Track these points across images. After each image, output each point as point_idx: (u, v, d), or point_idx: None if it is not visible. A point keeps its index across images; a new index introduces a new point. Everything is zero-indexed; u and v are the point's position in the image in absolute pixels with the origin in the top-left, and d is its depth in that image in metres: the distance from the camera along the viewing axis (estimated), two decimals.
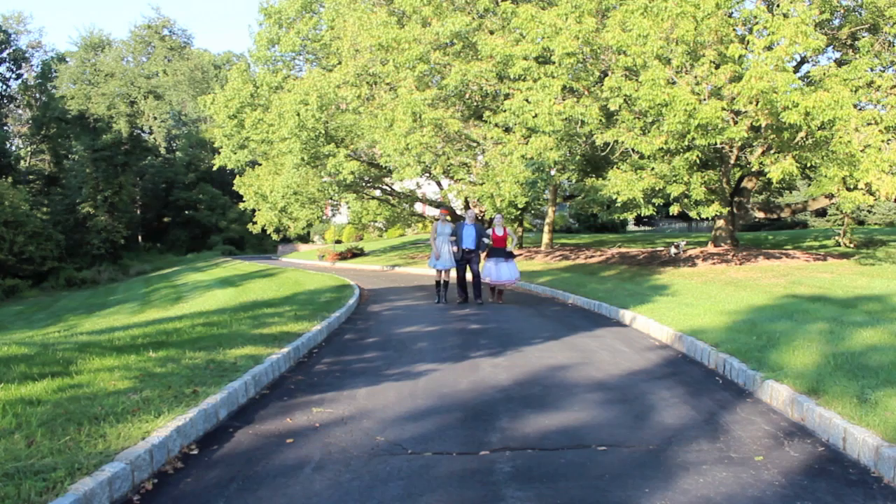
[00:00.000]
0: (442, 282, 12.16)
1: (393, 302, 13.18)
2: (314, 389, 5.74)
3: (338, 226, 43.64)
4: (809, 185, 31.53)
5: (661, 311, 9.00)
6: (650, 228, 45.48)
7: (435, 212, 32.84)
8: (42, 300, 30.51)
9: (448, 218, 12.43)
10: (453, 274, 12.57)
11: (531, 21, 13.08)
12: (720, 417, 4.69)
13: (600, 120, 13.17)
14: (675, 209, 14.19)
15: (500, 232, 12.18)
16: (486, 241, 12.07)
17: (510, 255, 12.17)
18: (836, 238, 19.75)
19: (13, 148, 51.04)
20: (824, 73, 12.97)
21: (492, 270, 12.06)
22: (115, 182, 48.48)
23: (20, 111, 53.68)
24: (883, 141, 12.27)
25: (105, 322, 16.06)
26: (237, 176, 27.74)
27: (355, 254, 32.47)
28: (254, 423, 4.79)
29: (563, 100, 13.08)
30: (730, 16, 13.41)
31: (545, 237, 25.75)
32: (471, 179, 18.53)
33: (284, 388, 5.84)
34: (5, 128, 48.65)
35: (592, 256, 20.50)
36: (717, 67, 11.96)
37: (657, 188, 13.37)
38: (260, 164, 27.51)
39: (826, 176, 13.06)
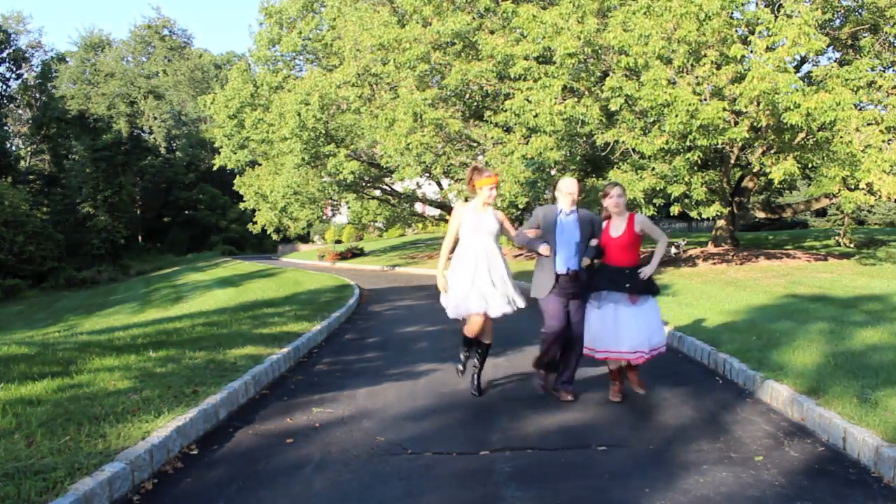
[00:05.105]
0: (476, 338, 5.50)
1: (393, 302, 13.17)
2: (314, 389, 5.74)
3: (338, 226, 43.62)
4: (810, 185, 31.60)
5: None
6: None
7: (435, 212, 32.68)
8: (42, 300, 30.50)
9: (493, 194, 5.41)
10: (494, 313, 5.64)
11: (532, 21, 13.07)
12: (720, 417, 4.69)
13: (601, 120, 13.16)
14: (675, 209, 14.19)
15: (616, 230, 5.24)
16: (593, 244, 5.29)
17: (647, 286, 5.19)
18: (837, 238, 19.74)
19: (13, 148, 51.00)
20: (826, 74, 12.98)
21: (607, 327, 5.13)
22: (115, 182, 48.47)
23: (20, 111, 53.63)
24: (884, 141, 12.27)
25: (105, 322, 16.06)
26: (237, 176, 27.73)
27: (355, 254, 32.46)
28: (254, 422, 4.79)
29: (564, 100, 13.08)
30: (731, 16, 13.41)
31: None
32: None
33: (285, 387, 5.84)
34: (5, 128, 48.59)
35: None
36: (718, 68, 11.95)
37: (658, 188, 13.36)
38: (260, 164, 27.50)
39: (827, 176, 13.06)
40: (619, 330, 5.07)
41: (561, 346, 5.32)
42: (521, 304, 5.38)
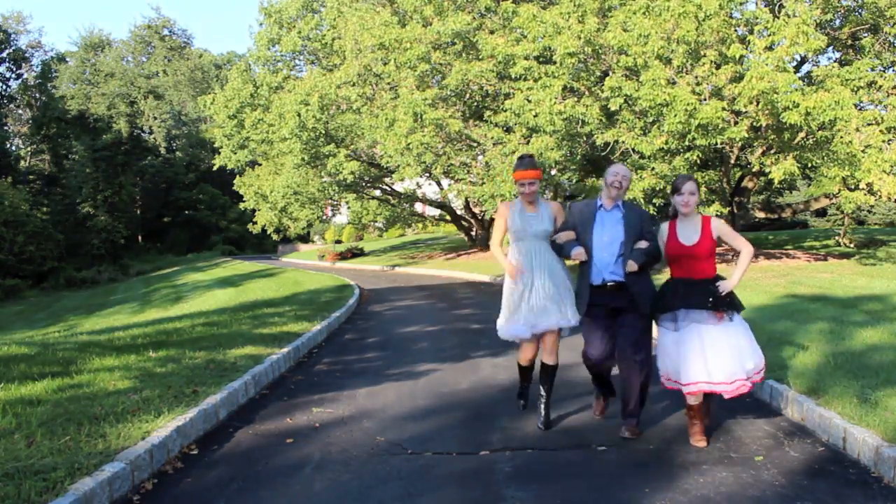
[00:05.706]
0: (529, 365, 4.88)
1: (393, 302, 13.17)
2: (314, 389, 5.74)
3: (338, 226, 43.63)
4: (810, 185, 31.59)
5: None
6: None
7: (435, 212, 32.69)
8: (42, 300, 30.50)
9: (530, 190, 4.73)
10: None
11: (532, 20, 13.07)
12: (720, 417, 4.69)
13: (601, 120, 13.16)
14: None
15: (689, 237, 4.19)
16: (642, 246, 4.26)
17: (730, 302, 4.22)
18: (837, 238, 19.74)
19: (13, 148, 51.01)
20: (826, 74, 12.98)
21: (693, 353, 4.09)
22: (115, 182, 48.46)
23: (20, 111, 53.65)
24: (884, 141, 12.27)
25: (105, 322, 16.06)
26: (237, 176, 27.76)
27: (355, 254, 32.46)
28: (254, 422, 4.79)
29: (564, 99, 13.08)
30: (730, 16, 13.42)
31: None
32: (471, 179, 18.53)
33: (285, 387, 5.85)
34: (5, 128, 48.60)
35: None
36: (717, 68, 11.96)
37: (658, 188, 13.36)
38: (260, 164, 27.54)
39: (827, 176, 13.07)
40: (708, 355, 4.04)
41: (607, 373, 4.58)
42: (574, 321, 4.46)
